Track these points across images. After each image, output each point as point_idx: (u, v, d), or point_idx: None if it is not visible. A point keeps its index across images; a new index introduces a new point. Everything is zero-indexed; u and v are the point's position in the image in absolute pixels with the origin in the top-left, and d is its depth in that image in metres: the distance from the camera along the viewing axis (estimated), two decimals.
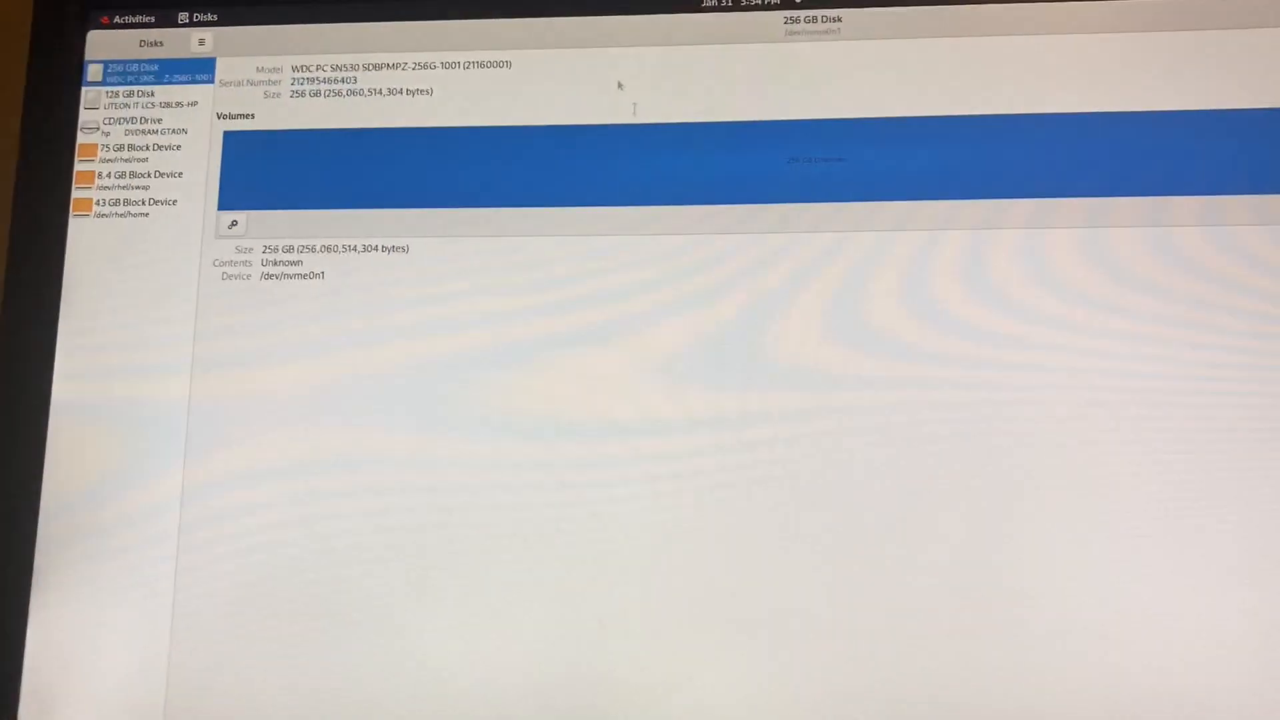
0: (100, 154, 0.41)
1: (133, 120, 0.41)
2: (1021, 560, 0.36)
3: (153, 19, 0.41)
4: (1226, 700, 0.34)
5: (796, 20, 0.40)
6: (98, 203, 0.40)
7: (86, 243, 0.40)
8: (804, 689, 0.35)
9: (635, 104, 0.39)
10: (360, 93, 0.40)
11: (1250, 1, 0.39)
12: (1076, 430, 0.36)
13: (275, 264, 0.39)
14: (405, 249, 0.39)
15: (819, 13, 0.39)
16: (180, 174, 0.40)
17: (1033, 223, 0.38)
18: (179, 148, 0.40)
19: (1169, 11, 0.39)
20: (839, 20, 0.39)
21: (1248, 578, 0.35)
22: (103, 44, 0.41)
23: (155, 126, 0.41)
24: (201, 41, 0.41)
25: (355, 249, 0.39)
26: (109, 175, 0.40)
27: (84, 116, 0.41)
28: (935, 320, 0.37)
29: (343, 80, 0.41)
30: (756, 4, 0.40)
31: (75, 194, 0.40)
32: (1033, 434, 0.36)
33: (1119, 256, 0.37)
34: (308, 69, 0.41)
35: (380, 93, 0.40)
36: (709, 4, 0.40)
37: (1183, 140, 0.38)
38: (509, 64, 0.40)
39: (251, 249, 0.39)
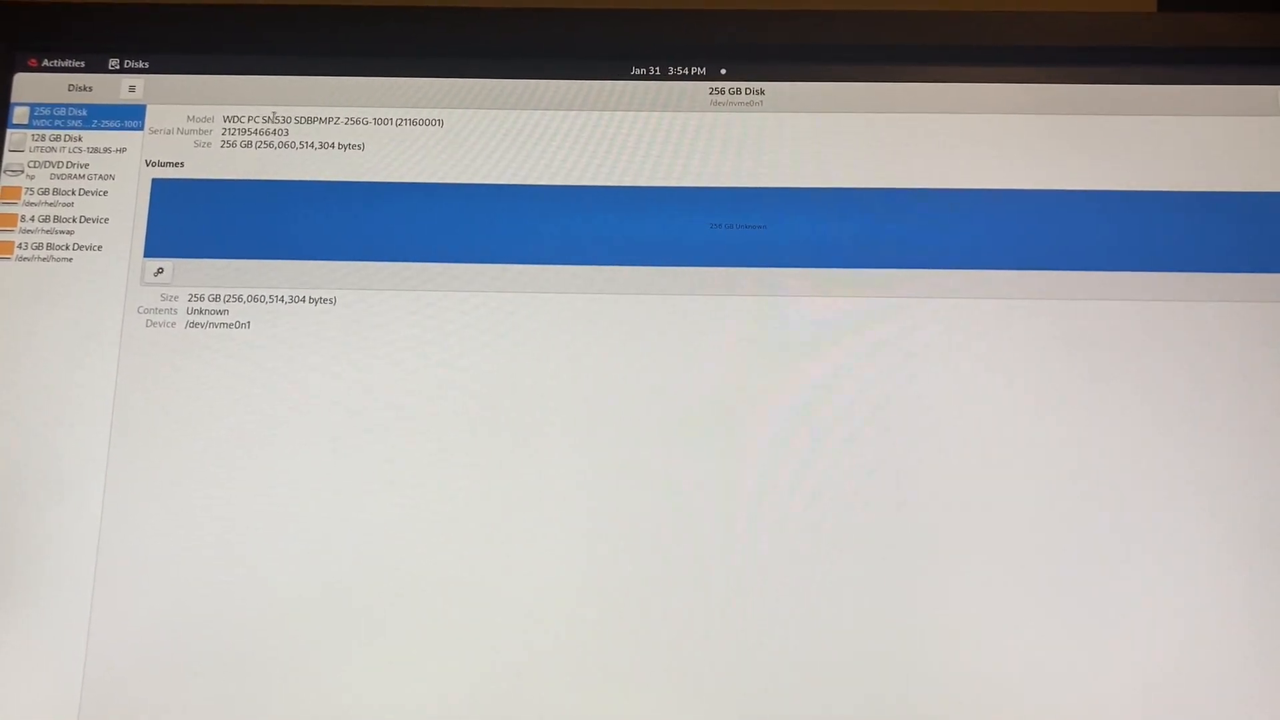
0: (24, 197, 0.40)
1: (59, 164, 0.41)
2: (928, 613, 0.37)
3: (82, 64, 0.41)
4: None
5: (721, 92, 0.41)
6: (20, 246, 0.40)
7: (7, 286, 0.39)
8: None
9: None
10: (291, 145, 0.41)
11: (1155, 91, 0.41)
12: (982, 490, 0.38)
13: (200, 313, 0.39)
14: (332, 301, 0.40)
15: (743, 85, 0.41)
16: (106, 220, 0.40)
17: (943, 292, 0.40)
18: (105, 193, 0.40)
19: (1081, 96, 0.41)
20: (762, 93, 0.41)
21: (1145, 639, 0.37)
22: (30, 87, 0.41)
23: (82, 171, 0.41)
24: (132, 88, 0.41)
25: (282, 299, 0.40)
26: (32, 219, 0.40)
27: (8, 159, 0.41)
28: (847, 382, 0.39)
29: (274, 132, 0.41)
30: (683, 75, 0.41)
31: None
32: (941, 493, 0.38)
33: (1029, 326, 0.39)
34: (239, 119, 0.41)
35: (311, 145, 0.41)
36: (637, 73, 0.41)
37: (1088, 218, 0.40)
38: (441, 122, 0.41)
39: (177, 297, 0.40)
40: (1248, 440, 0.38)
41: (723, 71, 0.41)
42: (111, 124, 0.41)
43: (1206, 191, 0.40)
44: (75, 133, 0.41)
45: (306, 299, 0.40)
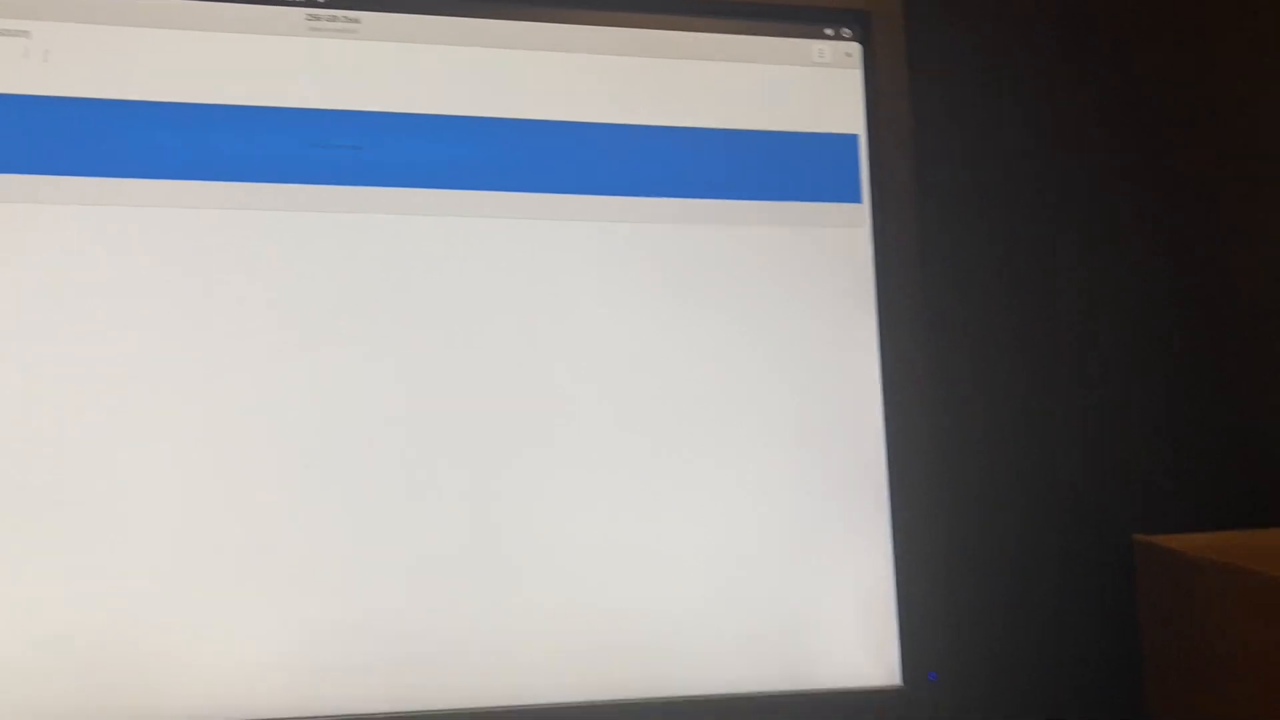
0: None
1: None
2: (518, 506, 0.42)
3: None
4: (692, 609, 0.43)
5: (318, 18, 0.43)
6: None
7: None
8: (322, 631, 0.40)
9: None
10: None
11: (716, 39, 0.47)
12: (566, 394, 0.43)
13: None
14: None
15: (339, 12, 0.43)
16: None
17: (530, 214, 0.44)
18: None
19: (655, 41, 0.46)
20: (358, 21, 0.43)
21: (711, 519, 0.43)
22: None
23: None
24: None
25: None
26: None
27: None
28: (438, 295, 0.42)
29: None
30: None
31: None
32: (528, 396, 0.43)
33: (607, 244, 0.44)
34: None
35: None
36: None
37: (657, 150, 0.45)
38: (28, 34, 0.41)
39: None
40: (786, 344, 0.45)
41: None
42: None
43: (759, 130, 0.46)
44: None
45: None
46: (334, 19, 0.43)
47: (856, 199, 0.46)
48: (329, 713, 0.39)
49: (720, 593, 0.43)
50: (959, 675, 0.45)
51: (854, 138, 0.47)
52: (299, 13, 0.43)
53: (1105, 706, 0.53)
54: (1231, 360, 0.57)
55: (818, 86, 0.47)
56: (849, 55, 0.47)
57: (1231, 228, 0.58)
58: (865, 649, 0.44)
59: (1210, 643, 0.48)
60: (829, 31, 0.47)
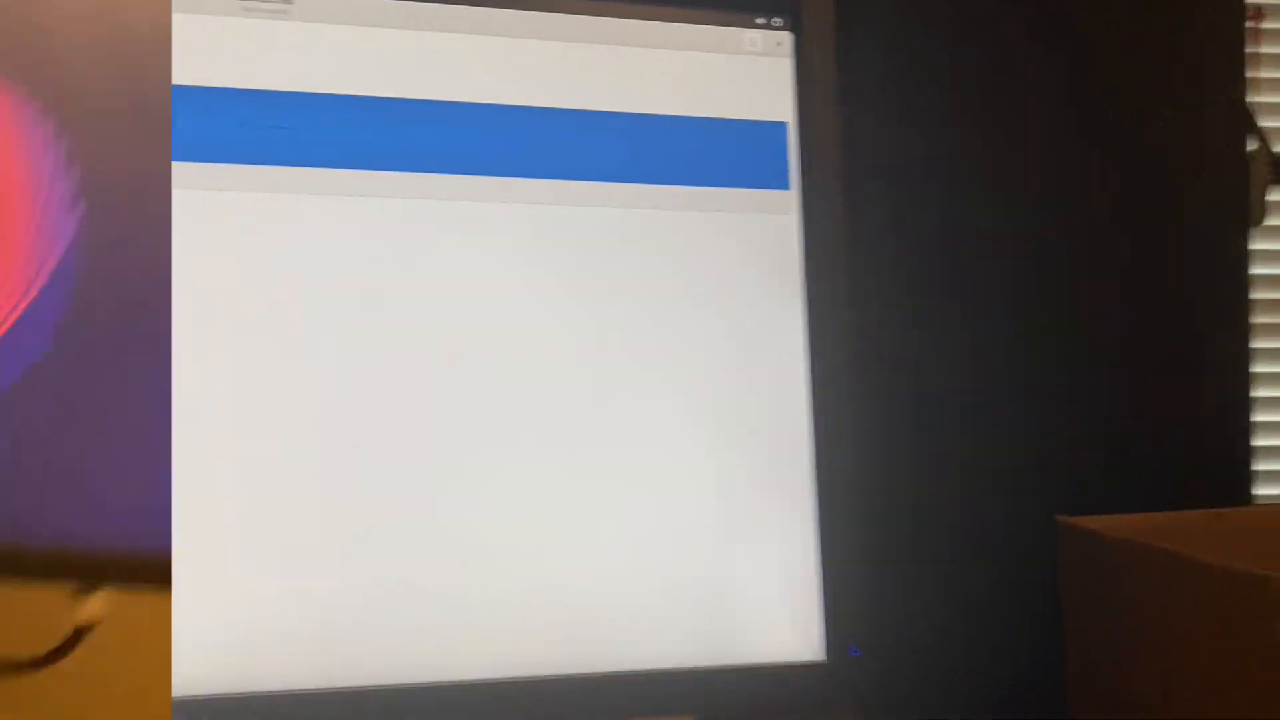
0: None
1: None
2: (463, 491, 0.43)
3: None
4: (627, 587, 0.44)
5: None
6: None
7: None
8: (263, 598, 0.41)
9: None
10: None
11: (647, 25, 0.47)
12: (493, 373, 0.44)
13: None
14: None
15: None
16: None
17: (451, 195, 0.44)
18: None
19: (591, 28, 0.47)
20: (290, 2, 0.44)
21: (635, 496, 0.44)
22: None
23: None
24: None
25: None
26: None
27: None
28: (351, 275, 0.43)
29: None
30: None
31: None
32: (456, 377, 0.43)
33: (535, 226, 0.45)
34: None
35: None
36: None
37: (587, 133, 0.46)
38: None
39: None
40: (713, 327, 0.46)
41: None
42: None
43: (691, 116, 0.47)
44: None
45: None
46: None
47: (785, 186, 0.47)
48: (265, 689, 0.40)
49: (643, 568, 0.44)
50: (882, 651, 0.46)
51: (783, 125, 0.47)
52: None
53: (1030, 685, 0.54)
54: (1165, 348, 0.59)
55: (748, 74, 0.47)
56: (780, 44, 0.48)
57: (1172, 219, 0.59)
58: (788, 624, 0.45)
59: (1128, 623, 0.49)
60: (760, 20, 0.48)
